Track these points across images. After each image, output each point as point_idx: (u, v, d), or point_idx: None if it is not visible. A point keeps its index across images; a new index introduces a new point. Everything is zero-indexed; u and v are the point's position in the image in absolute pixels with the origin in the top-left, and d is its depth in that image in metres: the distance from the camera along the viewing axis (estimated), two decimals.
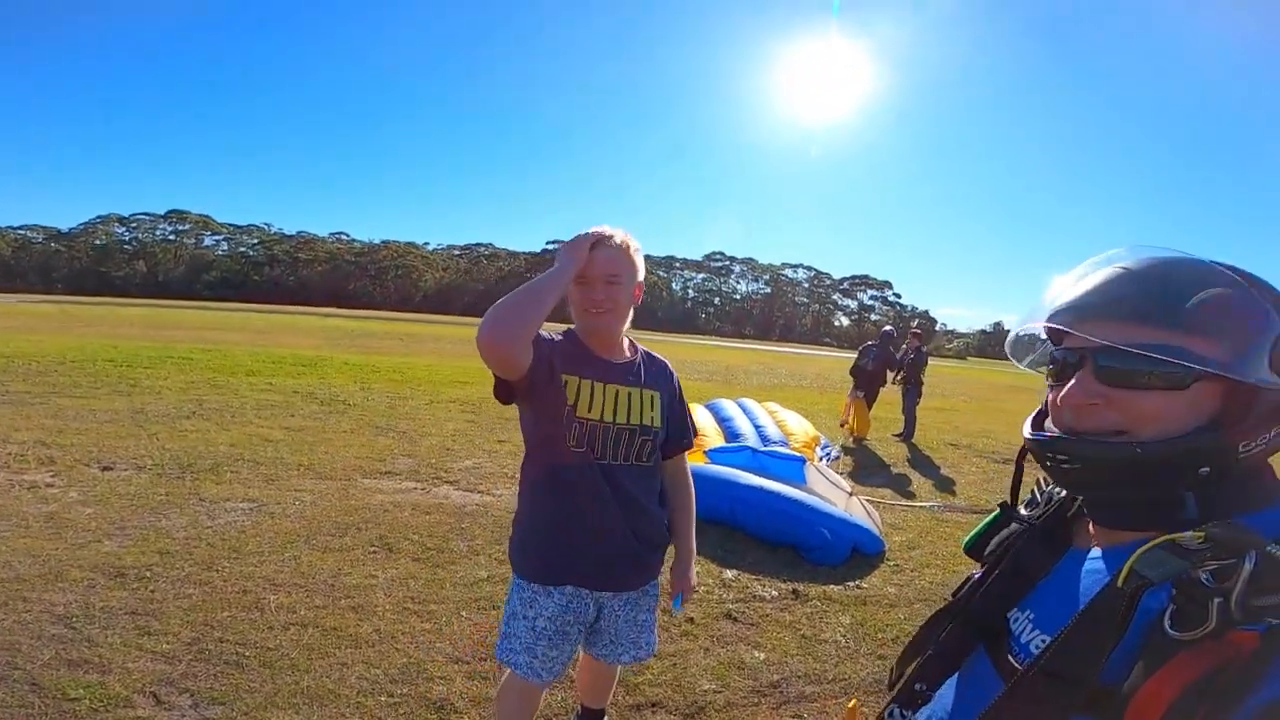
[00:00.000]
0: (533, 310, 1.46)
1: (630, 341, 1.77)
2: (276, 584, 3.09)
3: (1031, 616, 0.73)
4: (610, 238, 1.59)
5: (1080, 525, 0.78)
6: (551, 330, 1.65)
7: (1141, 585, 0.58)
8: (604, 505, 1.64)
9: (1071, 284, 0.71)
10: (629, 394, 1.66)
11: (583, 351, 1.66)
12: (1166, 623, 0.56)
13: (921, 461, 8.03)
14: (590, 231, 1.59)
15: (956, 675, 0.81)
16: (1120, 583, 0.59)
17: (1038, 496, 0.86)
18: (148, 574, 3.09)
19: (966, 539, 0.91)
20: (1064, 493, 0.82)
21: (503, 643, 1.72)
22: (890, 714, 0.87)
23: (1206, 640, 0.53)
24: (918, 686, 0.83)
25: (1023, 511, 0.86)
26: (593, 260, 1.56)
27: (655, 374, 1.76)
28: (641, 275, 1.68)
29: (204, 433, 6.16)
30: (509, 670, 1.72)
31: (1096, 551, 0.72)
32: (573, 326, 1.72)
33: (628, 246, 1.61)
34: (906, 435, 9.36)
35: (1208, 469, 0.64)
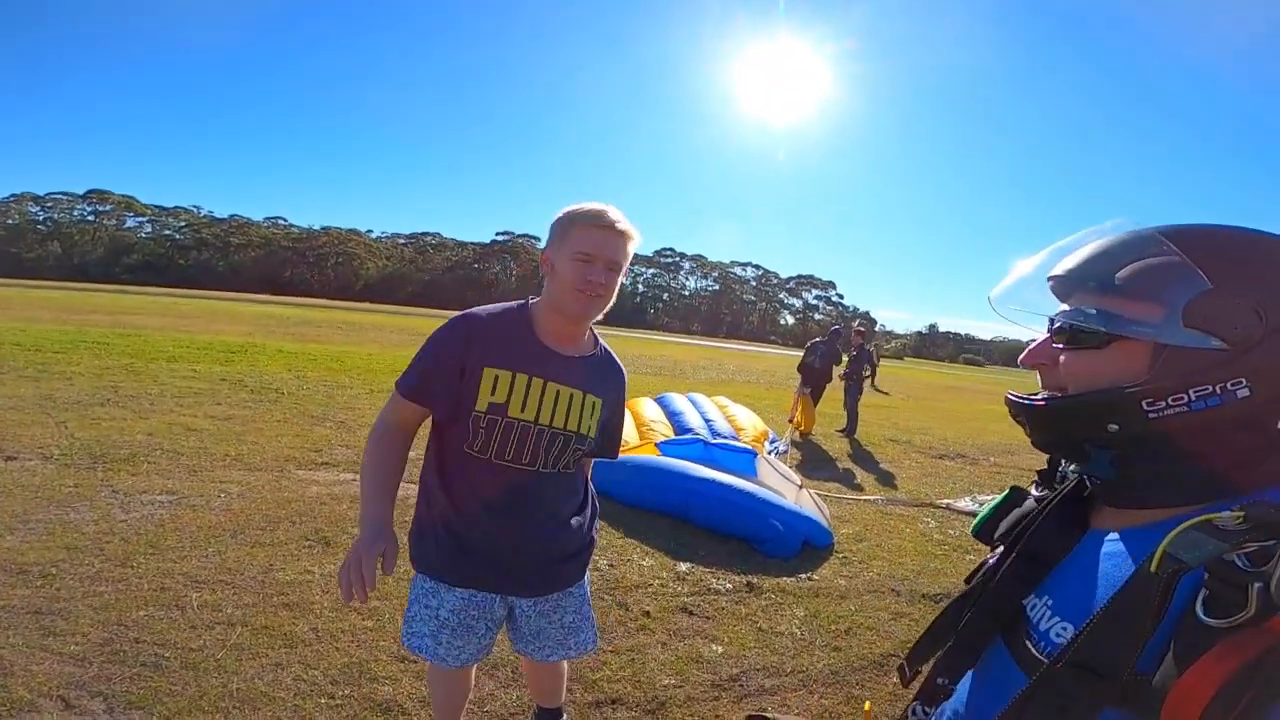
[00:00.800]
0: None
1: (594, 336, 1.59)
2: (199, 581, 2.85)
3: (1050, 603, 0.69)
4: (620, 223, 1.43)
5: (1099, 505, 0.74)
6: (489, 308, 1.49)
7: (1178, 570, 0.54)
8: (510, 514, 1.47)
9: (1059, 257, 0.72)
10: (570, 395, 1.47)
11: (528, 338, 1.46)
12: (1199, 609, 0.52)
13: (864, 456, 8.21)
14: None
15: (977, 668, 0.76)
16: (1154, 568, 0.55)
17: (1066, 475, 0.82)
18: (53, 570, 2.80)
19: (975, 522, 0.87)
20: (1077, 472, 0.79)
21: (406, 627, 1.57)
22: (913, 712, 0.82)
23: (1245, 627, 0.50)
24: (940, 680, 0.78)
25: (1034, 493, 0.83)
26: (604, 239, 1.41)
27: (607, 380, 1.59)
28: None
29: (119, 421, 5.71)
30: None
31: (1115, 534, 0.68)
32: (525, 302, 1.51)
33: (632, 236, 1.46)
34: (849, 431, 9.56)
35: (1116, 426, 0.63)
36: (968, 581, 0.82)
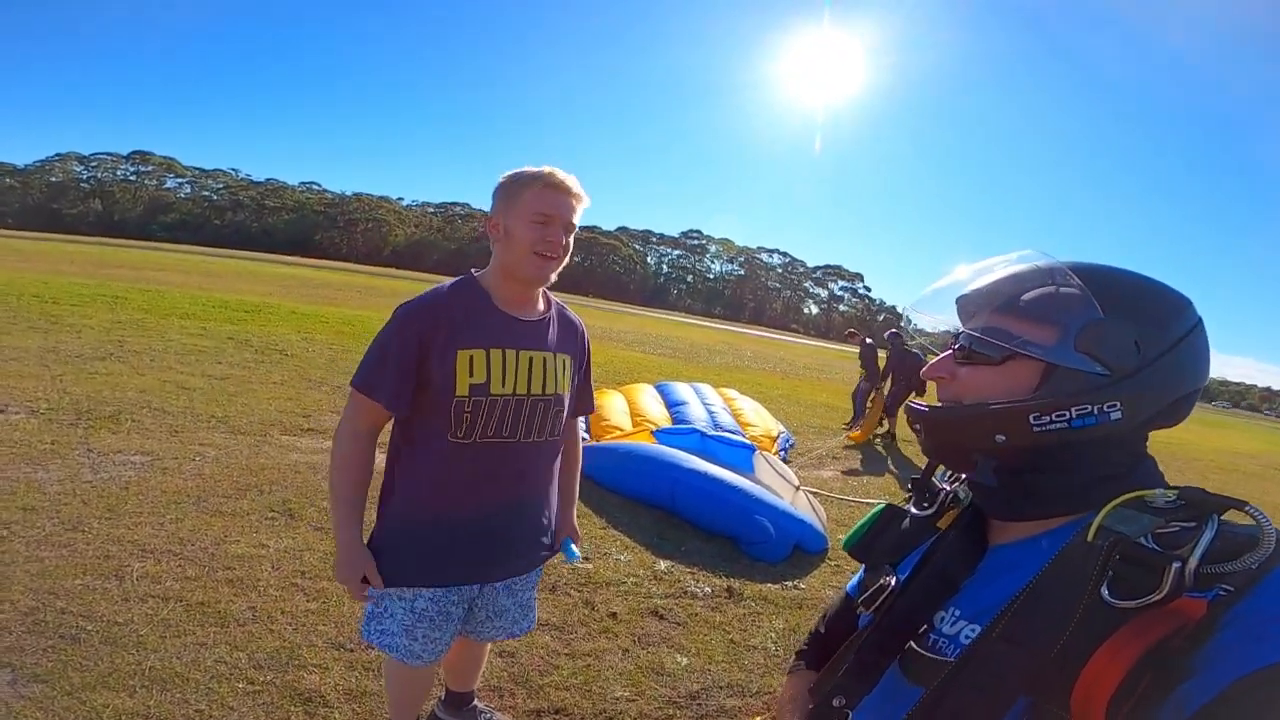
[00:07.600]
0: None
1: (545, 295, 1.56)
2: (147, 550, 2.74)
3: (957, 613, 0.70)
4: (574, 184, 1.42)
5: (993, 525, 0.76)
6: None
7: (1117, 542, 0.55)
8: (502, 492, 1.47)
9: (972, 278, 0.76)
10: (544, 360, 1.47)
11: (486, 309, 1.42)
12: (1104, 590, 0.54)
13: (873, 457, 7.92)
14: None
15: (874, 692, 0.73)
16: (1090, 538, 0.57)
17: (938, 489, 0.83)
18: (4, 533, 2.71)
19: (847, 537, 0.88)
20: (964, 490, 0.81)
21: (372, 623, 1.50)
22: None
23: (1152, 609, 0.51)
24: (835, 702, 0.74)
25: (913, 510, 0.83)
26: (559, 200, 1.39)
27: (568, 335, 1.58)
28: None
29: (115, 376, 5.68)
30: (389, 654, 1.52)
31: (1008, 545, 0.72)
32: (470, 275, 1.47)
33: (583, 198, 1.44)
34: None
35: (1004, 436, 0.66)
36: (867, 605, 0.78)
